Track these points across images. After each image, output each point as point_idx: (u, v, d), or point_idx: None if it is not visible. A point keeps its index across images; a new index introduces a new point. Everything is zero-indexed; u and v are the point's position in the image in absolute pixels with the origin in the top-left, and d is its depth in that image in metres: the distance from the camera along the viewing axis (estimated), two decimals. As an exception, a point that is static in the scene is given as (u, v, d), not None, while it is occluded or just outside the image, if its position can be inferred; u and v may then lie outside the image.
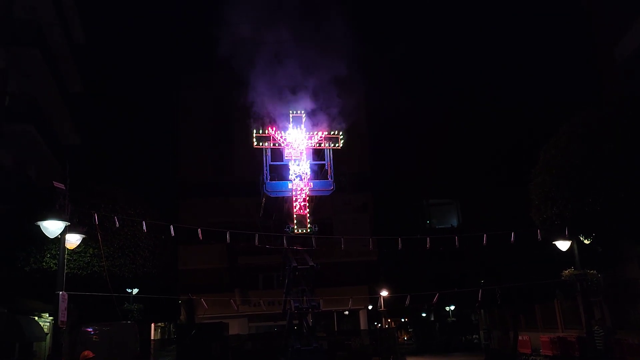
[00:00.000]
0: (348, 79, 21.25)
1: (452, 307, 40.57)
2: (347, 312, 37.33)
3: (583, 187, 14.32)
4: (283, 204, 20.27)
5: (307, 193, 19.46)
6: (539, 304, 25.26)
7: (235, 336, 29.71)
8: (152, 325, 31.75)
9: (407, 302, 17.30)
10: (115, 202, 17.61)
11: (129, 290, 19.02)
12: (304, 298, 18.21)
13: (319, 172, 20.47)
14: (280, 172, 20.30)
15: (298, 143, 19.86)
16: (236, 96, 22.71)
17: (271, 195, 20.11)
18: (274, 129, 20.03)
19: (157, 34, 75.66)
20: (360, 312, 37.18)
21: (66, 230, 10.99)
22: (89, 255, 16.33)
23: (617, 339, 17.80)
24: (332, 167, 20.20)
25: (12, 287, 16.00)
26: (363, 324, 37.01)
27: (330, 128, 20.38)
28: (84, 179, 18.14)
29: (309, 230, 19.07)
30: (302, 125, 20.08)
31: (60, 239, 11.02)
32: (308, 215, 19.29)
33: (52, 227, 10.69)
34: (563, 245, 15.64)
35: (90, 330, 16.50)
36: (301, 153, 19.83)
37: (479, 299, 17.80)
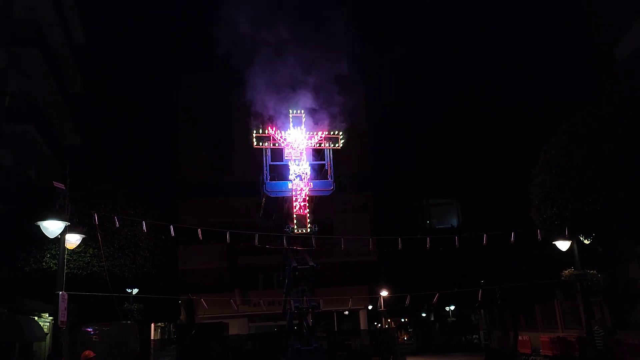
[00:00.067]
0: (348, 78, 21.26)
1: (452, 307, 40.57)
2: (347, 312, 37.33)
3: (583, 187, 14.32)
4: (283, 204, 20.27)
5: (307, 193, 19.46)
6: (539, 304, 25.27)
7: (235, 336, 29.72)
8: (152, 325, 31.74)
9: (407, 302, 17.31)
10: (115, 202, 17.61)
11: (129, 290, 19.02)
12: (304, 298, 18.21)
13: (319, 172, 20.47)
14: (280, 172, 20.29)
15: (298, 143, 19.86)
16: (236, 96, 22.71)
17: (271, 195, 20.11)
18: (274, 128, 20.03)
19: (157, 34, 75.71)
20: (360, 312, 37.18)
21: (66, 230, 10.99)
22: (89, 255, 16.34)
23: (617, 339, 17.80)
24: (332, 167, 20.20)
25: (12, 287, 16.01)
26: (363, 324, 37.01)
27: (330, 128, 20.38)
28: (84, 179, 18.14)
29: (309, 230, 19.06)
30: (302, 125, 20.09)
31: (60, 239, 11.02)
32: (308, 215, 19.28)
33: (52, 227, 10.70)
34: (563, 245, 15.64)
35: (90, 330, 16.50)
36: (301, 153, 19.82)
37: (479, 299, 17.81)
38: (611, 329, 17.80)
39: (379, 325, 39.77)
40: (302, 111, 20.27)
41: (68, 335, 16.22)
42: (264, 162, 19.91)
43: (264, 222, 23.65)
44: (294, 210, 19.23)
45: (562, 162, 15.12)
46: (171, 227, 15.04)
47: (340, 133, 20.38)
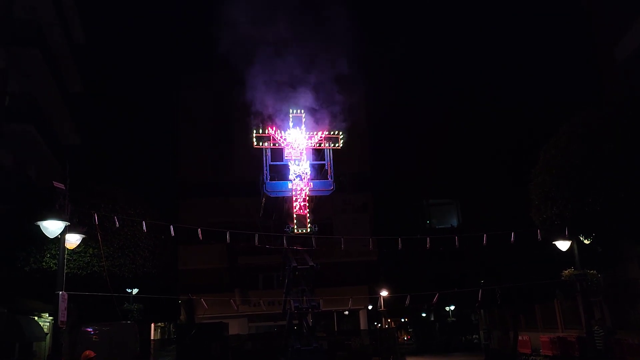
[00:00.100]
0: (348, 78, 21.27)
1: (452, 307, 40.57)
2: (347, 312, 37.33)
3: (583, 187, 14.32)
4: (283, 204, 20.27)
5: (307, 193, 19.47)
6: (539, 304, 25.27)
7: (235, 336, 29.72)
8: (152, 325, 31.75)
9: (407, 302, 17.31)
10: (115, 202, 17.62)
11: (129, 290, 19.02)
12: (304, 298, 18.21)
13: (319, 172, 20.47)
14: (280, 172, 20.30)
15: (298, 143, 19.87)
16: (236, 96, 22.71)
17: (271, 195, 20.11)
18: (274, 128, 20.03)
19: (157, 34, 75.70)
20: (360, 312, 37.18)
21: (66, 230, 10.99)
22: (88, 255, 16.34)
23: (617, 339, 17.80)
24: (332, 167, 20.20)
25: (12, 287, 16.01)
26: (363, 324, 37.02)
27: (330, 128, 20.38)
28: (84, 179, 18.13)
29: (309, 230, 19.07)
30: (302, 125, 20.09)
31: (60, 239, 11.02)
32: (308, 215, 19.29)
33: (52, 227, 10.69)
34: (563, 245, 15.64)
35: (90, 330, 16.50)
36: (301, 153, 19.83)
37: (479, 299, 17.80)
38: (611, 329, 17.80)
39: (379, 325, 39.77)
40: (302, 111, 20.27)
41: (68, 335, 16.22)
42: (264, 162, 19.92)
43: (264, 222, 23.66)
44: (294, 210, 19.23)
45: (562, 162, 15.12)
46: (171, 227, 15.04)
47: (340, 133, 20.38)
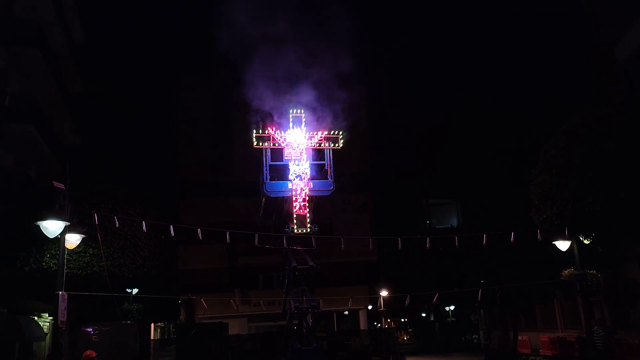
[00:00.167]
0: (348, 78, 21.28)
1: (452, 307, 40.57)
2: (347, 312, 37.33)
3: (583, 187, 14.32)
4: (283, 204, 20.27)
5: (307, 193, 19.47)
6: (539, 304, 25.26)
7: (235, 336, 29.73)
8: (152, 325, 31.75)
9: (407, 302, 17.30)
10: (115, 202, 17.61)
11: (129, 290, 19.02)
12: (304, 298, 18.22)
13: (319, 172, 20.48)
14: (280, 172, 20.30)
15: (298, 143, 19.87)
16: (236, 95, 22.70)
17: (271, 195, 20.12)
18: (274, 129, 20.03)
19: (157, 34, 75.69)
20: (360, 312, 37.18)
21: (66, 230, 10.98)
22: (88, 255, 16.34)
23: (617, 339, 17.80)
24: (332, 167, 20.20)
25: (12, 287, 16.00)
26: (363, 324, 37.02)
27: (330, 128, 20.39)
28: (84, 179, 18.13)
29: (309, 230, 19.07)
30: (302, 125, 20.09)
31: (60, 239, 11.02)
32: (308, 215, 19.29)
33: (52, 227, 10.69)
34: (563, 245, 15.64)
35: (90, 330, 16.48)
36: (301, 153, 19.83)
37: (479, 299, 17.79)
38: (611, 329, 17.81)
39: (379, 325, 39.74)
40: (302, 111, 20.28)
41: (68, 335, 16.21)
42: (264, 162, 19.92)
43: (264, 222, 23.66)
44: (294, 210, 19.23)
45: (562, 162, 15.12)
46: (171, 227, 15.03)
47: (340, 133, 20.39)
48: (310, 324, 18.96)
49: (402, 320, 54.31)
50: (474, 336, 38.17)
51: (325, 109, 20.50)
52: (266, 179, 19.73)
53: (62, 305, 10.67)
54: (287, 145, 19.91)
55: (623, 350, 17.88)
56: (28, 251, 16.18)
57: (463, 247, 17.44)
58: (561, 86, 29.54)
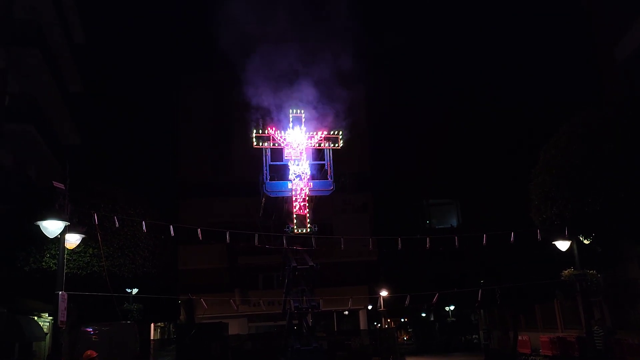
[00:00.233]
0: (348, 78, 21.28)
1: (452, 307, 40.57)
2: (347, 312, 37.33)
3: (583, 187, 14.32)
4: (283, 204, 20.28)
5: (307, 193, 19.47)
6: (539, 304, 25.25)
7: (235, 336, 29.73)
8: (152, 325, 31.74)
9: (407, 302, 17.29)
10: (115, 202, 17.61)
11: (129, 290, 19.01)
12: (304, 298, 18.22)
13: (318, 172, 20.48)
14: (280, 172, 20.30)
15: (298, 143, 19.87)
16: (236, 95, 22.70)
17: (271, 195, 20.12)
18: (274, 129, 20.03)
19: (157, 34, 75.69)
20: (360, 312, 37.18)
21: (66, 230, 10.97)
22: (88, 255, 16.34)
23: (617, 339, 17.80)
24: (332, 167, 20.21)
25: (12, 287, 16.00)
26: (363, 324, 37.02)
27: (330, 128, 20.39)
28: (84, 179, 18.14)
29: (308, 230, 19.07)
30: (302, 125, 20.09)
31: (60, 239, 11.01)
32: (308, 215, 19.29)
33: (51, 227, 10.68)
34: (563, 245, 15.63)
35: (90, 330, 16.47)
36: (301, 153, 19.84)
37: (479, 299, 17.78)
38: (611, 329, 17.80)
39: (379, 325, 39.73)
40: (302, 111, 20.28)
41: (68, 335, 16.20)
42: (264, 162, 19.93)
43: (264, 222, 23.67)
44: (294, 210, 19.24)
45: (562, 162, 15.12)
46: (171, 227, 15.04)
47: (340, 133, 20.39)
48: (310, 324, 18.96)
49: (402, 320, 54.30)
50: (474, 336, 38.16)
51: (326, 108, 20.51)
52: (266, 178, 19.74)
53: (62, 305, 10.66)
54: (287, 145, 19.92)
55: (623, 350, 17.87)
56: (28, 251, 16.18)
57: (463, 247, 17.44)
58: (561, 86, 29.57)
